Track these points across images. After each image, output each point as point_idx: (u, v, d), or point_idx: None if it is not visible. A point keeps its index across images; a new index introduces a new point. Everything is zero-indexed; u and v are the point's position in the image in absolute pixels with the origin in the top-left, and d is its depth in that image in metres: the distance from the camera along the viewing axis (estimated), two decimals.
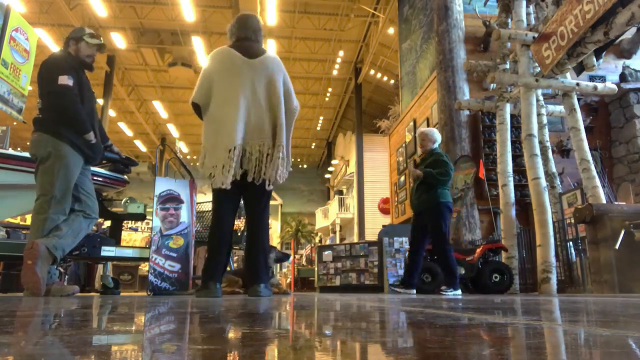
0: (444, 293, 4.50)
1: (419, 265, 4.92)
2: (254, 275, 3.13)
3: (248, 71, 3.15)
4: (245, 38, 3.29)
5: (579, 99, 6.60)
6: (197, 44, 15.96)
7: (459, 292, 4.55)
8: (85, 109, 3.32)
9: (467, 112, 7.67)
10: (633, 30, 7.65)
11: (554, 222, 5.81)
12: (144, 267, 9.98)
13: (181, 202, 4.49)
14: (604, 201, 5.62)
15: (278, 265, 4.79)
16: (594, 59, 5.40)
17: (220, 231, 3.14)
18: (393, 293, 4.95)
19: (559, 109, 6.74)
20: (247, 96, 3.11)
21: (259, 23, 3.40)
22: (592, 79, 7.42)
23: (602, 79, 7.69)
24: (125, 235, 12.70)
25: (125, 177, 4.52)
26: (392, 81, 17.18)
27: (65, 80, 3.16)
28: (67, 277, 6.88)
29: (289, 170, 3.21)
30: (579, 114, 6.07)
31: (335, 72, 19.42)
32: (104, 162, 4.33)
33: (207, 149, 3.09)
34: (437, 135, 4.99)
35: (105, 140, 3.83)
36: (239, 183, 3.05)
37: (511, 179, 6.41)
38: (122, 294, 4.94)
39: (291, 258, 15.11)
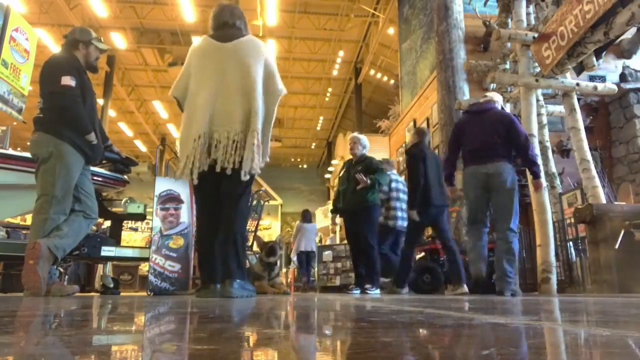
0: (368, 291, 4.82)
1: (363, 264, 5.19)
2: (225, 272, 2.82)
3: (219, 56, 3.03)
4: (222, 24, 3.19)
5: (579, 99, 6.60)
6: None
7: (378, 291, 4.91)
8: (87, 110, 3.32)
9: None
10: (633, 30, 7.65)
11: (554, 222, 5.81)
12: (144, 267, 9.97)
13: (181, 202, 4.50)
14: (604, 201, 5.62)
15: (279, 264, 4.75)
16: (594, 59, 5.40)
17: (203, 229, 2.99)
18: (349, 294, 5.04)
19: (559, 109, 6.74)
20: (217, 82, 2.97)
21: (237, 9, 3.30)
22: (592, 79, 7.41)
23: (602, 79, 7.69)
24: (125, 235, 12.70)
25: (125, 177, 4.52)
26: (392, 81, 17.18)
27: (67, 80, 3.17)
28: (67, 277, 6.88)
29: (266, 159, 3.01)
30: (579, 114, 6.07)
31: (335, 72, 19.41)
32: (104, 162, 4.34)
33: (180, 142, 2.98)
34: (367, 142, 5.41)
35: (105, 140, 3.84)
36: (213, 174, 2.86)
37: None
38: (122, 294, 4.94)
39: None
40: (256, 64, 3.03)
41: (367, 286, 4.91)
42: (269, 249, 4.46)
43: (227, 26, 3.18)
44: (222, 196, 3.00)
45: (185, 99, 3.06)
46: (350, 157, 5.51)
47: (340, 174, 5.56)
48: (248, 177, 2.86)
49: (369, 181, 4.90)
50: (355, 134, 5.61)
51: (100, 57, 3.66)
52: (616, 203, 6.02)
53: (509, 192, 4.15)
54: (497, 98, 4.64)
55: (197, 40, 3.20)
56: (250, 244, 5.70)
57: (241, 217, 3.04)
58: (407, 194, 5.22)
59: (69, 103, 3.19)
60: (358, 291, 5.04)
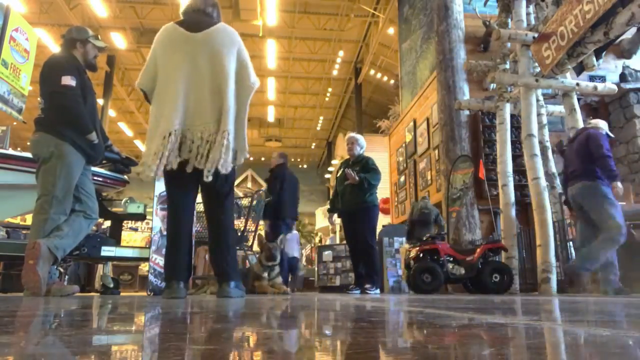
0: (368, 292, 4.87)
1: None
2: (222, 274, 2.83)
3: (189, 47, 2.84)
4: (193, 11, 3.00)
5: (579, 99, 6.60)
6: None
7: (379, 291, 5.02)
8: (87, 109, 3.32)
9: (467, 112, 7.67)
10: (633, 30, 7.65)
11: (554, 222, 5.81)
12: (144, 267, 9.98)
13: None
14: None
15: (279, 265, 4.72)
16: (594, 59, 5.40)
17: (175, 226, 2.88)
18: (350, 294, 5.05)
19: (559, 109, 6.74)
20: (187, 75, 2.79)
21: None
22: (592, 79, 7.41)
23: (602, 79, 7.69)
24: (125, 235, 12.70)
25: (125, 177, 4.52)
26: (392, 81, 17.18)
27: (68, 80, 3.17)
28: (67, 277, 6.88)
29: (245, 156, 2.84)
30: (579, 114, 6.07)
31: (335, 72, 19.43)
32: (104, 162, 4.34)
33: (147, 136, 2.83)
34: (364, 142, 5.55)
35: (105, 140, 3.84)
36: (194, 174, 2.74)
37: (511, 179, 6.41)
38: (122, 294, 4.94)
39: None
40: (229, 55, 2.86)
41: (367, 286, 4.92)
42: (268, 254, 4.42)
43: (198, 13, 2.99)
44: (206, 197, 2.94)
45: (153, 90, 2.90)
46: (348, 157, 5.51)
47: (338, 174, 5.58)
48: (211, 178, 2.71)
49: (357, 178, 4.93)
50: (353, 134, 5.63)
51: (99, 55, 3.65)
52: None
53: (590, 208, 4.45)
54: (602, 124, 4.82)
55: (164, 27, 2.97)
56: (250, 243, 5.70)
57: (230, 217, 3.00)
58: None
59: (69, 103, 3.18)
60: (358, 291, 5.04)
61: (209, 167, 2.70)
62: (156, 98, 2.89)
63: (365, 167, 5.15)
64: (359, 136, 5.54)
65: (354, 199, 5.07)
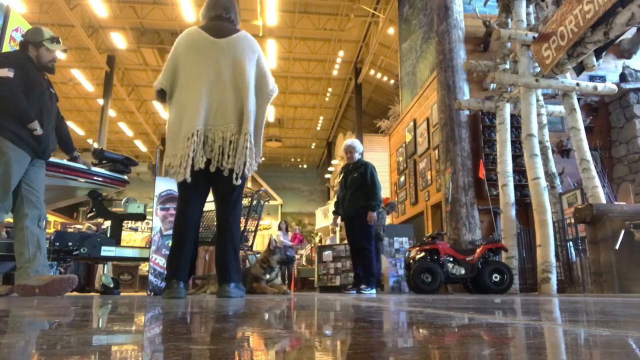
0: (363, 292, 4.93)
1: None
2: (223, 275, 2.89)
3: (213, 52, 2.93)
4: (216, 17, 3.09)
5: (579, 99, 6.60)
6: None
7: (374, 291, 5.04)
8: (33, 104, 3.20)
9: (467, 112, 7.67)
10: (633, 30, 7.65)
11: (554, 222, 5.81)
12: (144, 267, 9.97)
13: None
14: (604, 201, 5.63)
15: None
16: (594, 59, 5.40)
17: (182, 226, 2.90)
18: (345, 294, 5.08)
19: (559, 109, 6.75)
20: (210, 78, 2.88)
21: (231, 1, 3.17)
22: (592, 79, 7.42)
23: (602, 79, 7.69)
24: (125, 235, 12.69)
25: (125, 177, 4.52)
26: (392, 81, 17.17)
27: (5, 72, 3.09)
28: None
29: (259, 161, 2.93)
30: (579, 114, 6.07)
31: (335, 72, 19.41)
32: (104, 162, 4.34)
33: (169, 137, 2.88)
34: (360, 146, 5.57)
35: (70, 149, 3.81)
36: (206, 173, 2.80)
37: (511, 179, 6.41)
38: (122, 294, 4.94)
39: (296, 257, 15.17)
40: (249, 63, 2.98)
41: (362, 287, 4.98)
42: (282, 258, 4.45)
43: (221, 19, 3.09)
44: (219, 197, 3.00)
45: (173, 92, 2.96)
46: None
47: (338, 180, 5.64)
48: (240, 181, 2.83)
49: (374, 217, 5.07)
50: (348, 141, 5.62)
51: (57, 58, 3.48)
52: (616, 203, 6.02)
53: None
54: None
55: (187, 31, 3.06)
56: (250, 243, 5.70)
57: (238, 219, 3.07)
58: None
59: (5, 93, 3.08)
60: (355, 292, 5.08)
61: (237, 170, 2.80)
62: (177, 99, 2.94)
63: (364, 175, 5.18)
64: (353, 141, 5.56)
65: (353, 204, 5.16)
